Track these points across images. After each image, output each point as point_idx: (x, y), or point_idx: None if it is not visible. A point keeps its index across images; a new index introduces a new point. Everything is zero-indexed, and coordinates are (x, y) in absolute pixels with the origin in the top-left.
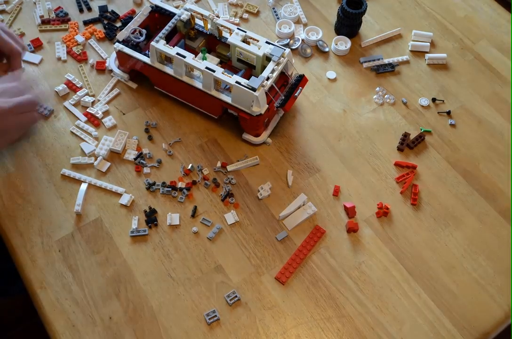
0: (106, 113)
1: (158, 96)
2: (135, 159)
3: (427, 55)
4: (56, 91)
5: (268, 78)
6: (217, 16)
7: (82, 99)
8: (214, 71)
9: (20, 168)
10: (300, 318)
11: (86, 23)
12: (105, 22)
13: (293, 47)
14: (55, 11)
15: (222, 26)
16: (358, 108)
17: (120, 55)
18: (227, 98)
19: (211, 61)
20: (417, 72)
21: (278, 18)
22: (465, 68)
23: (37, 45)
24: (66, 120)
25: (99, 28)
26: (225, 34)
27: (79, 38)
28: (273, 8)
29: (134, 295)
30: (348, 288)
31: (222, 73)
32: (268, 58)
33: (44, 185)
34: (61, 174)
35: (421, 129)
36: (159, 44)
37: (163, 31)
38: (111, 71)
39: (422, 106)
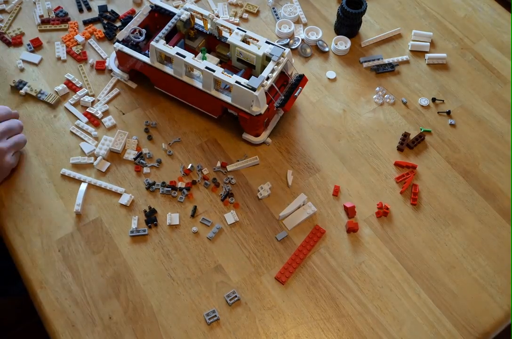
0: (106, 113)
1: (158, 96)
2: (135, 159)
3: (427, 55)
4: (56, 91)
5: (268, 78)
6: (217, 16)
7: (82, 99)
8: (214, 71)
9: (20, 168)
10: (300, 318)
11: (85, 23)
12: (105, 22)
13: (293, 47)
14: (54, 11)
15: (222, 26)
16: (358, 108)
17: (120, 55)
18: (227, 98)
19: (211, 61)
20: (417, 72)
21: (278, 18)
22: (465, 68)
23: (36, 45)
24: (66, 120)
25: (98, 28)
26: (225, 34)
27: (79, 38)
28: (273, 8)
29: (134, 295)
30: (348, 288)
31: (222, 73)
32: (268, 58)
33: (44, 185)
34: (61, 174)
35: (421, 129)
36: (159, 44)
37: (163, 31)
38: (110, 71)
39: (422, 106)
